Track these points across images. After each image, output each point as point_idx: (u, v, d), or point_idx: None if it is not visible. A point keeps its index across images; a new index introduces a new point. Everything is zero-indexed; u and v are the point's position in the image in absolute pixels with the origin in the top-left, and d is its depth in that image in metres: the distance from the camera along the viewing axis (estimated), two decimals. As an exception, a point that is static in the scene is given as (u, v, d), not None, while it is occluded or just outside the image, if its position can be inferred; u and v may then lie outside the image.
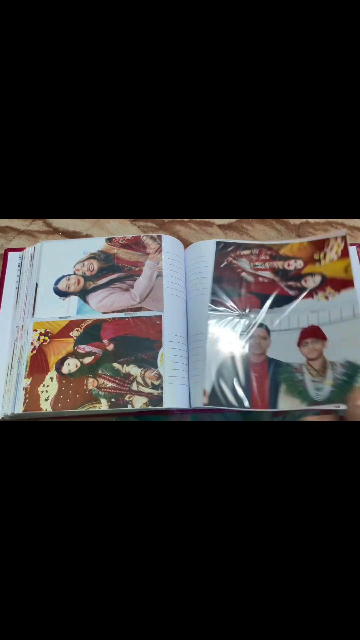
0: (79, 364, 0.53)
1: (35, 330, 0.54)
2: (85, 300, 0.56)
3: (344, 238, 0.58)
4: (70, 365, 0.52)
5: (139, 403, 0.50)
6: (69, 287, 0.57)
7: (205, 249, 0.59)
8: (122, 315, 0.55)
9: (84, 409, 0.50)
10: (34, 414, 0.51)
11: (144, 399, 0.50)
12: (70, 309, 0.55)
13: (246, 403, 0.51)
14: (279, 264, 0.59)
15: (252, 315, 0.56)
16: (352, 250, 0.63)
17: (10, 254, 0.62)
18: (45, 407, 0.50)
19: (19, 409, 0.51)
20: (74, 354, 0.53)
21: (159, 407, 0.50)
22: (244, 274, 0.58)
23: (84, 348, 0.53)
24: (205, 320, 0.54)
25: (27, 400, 0.51)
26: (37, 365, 0.53)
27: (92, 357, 0.53)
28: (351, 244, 0.63)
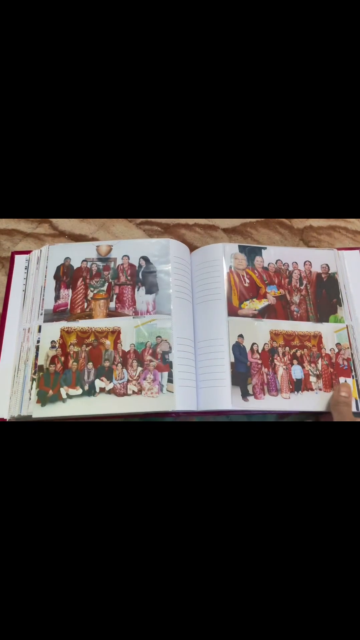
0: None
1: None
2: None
3: None
4: None
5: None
6: None
7: (211, 254, 0.59)
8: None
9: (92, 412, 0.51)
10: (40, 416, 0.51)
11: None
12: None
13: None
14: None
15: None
16: (355, 254, 0.63)
17: (17, 257, 0.62)
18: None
19: (26, 411, 0.52)
20: None
21: (168, 409, 0.50)
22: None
23: None
24: (218, 325, 0.55)
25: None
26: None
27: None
28: (354, 248, 0.64)
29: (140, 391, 0.51)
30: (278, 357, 0.54)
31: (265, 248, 0.61)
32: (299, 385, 0.53)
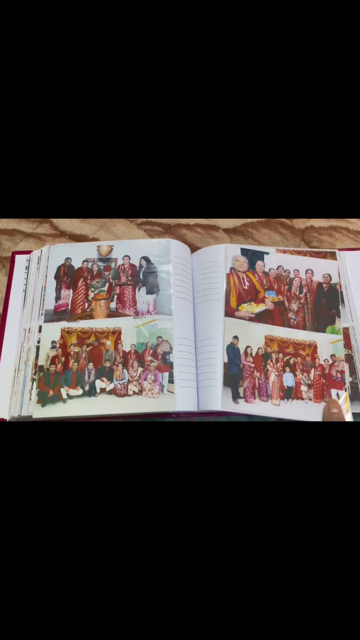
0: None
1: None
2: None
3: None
4: None
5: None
6: None
7: (212, 254, 0.59)
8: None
9: (92, 413, 0.51)
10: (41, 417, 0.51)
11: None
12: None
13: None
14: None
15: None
16: (357, 254, 0.63)
17: (17, 257, 0.62)
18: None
19: (27, 411, 0.52)
20: None
21: (169, 410, 0.50)
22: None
23: None
24: (215, 325, 0.55)
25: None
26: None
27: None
28: (356, 249, 0.64)
29: (140, 392, 0.51)
30: (271, 363, 0.54)
31: (267, 253, 0.60)
32: (289, 393, 0.53)
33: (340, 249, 0.63)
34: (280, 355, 0.55)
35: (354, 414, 0.53)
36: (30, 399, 0.52)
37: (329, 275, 0.59)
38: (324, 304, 0.58)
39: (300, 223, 0.70)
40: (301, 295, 0.58)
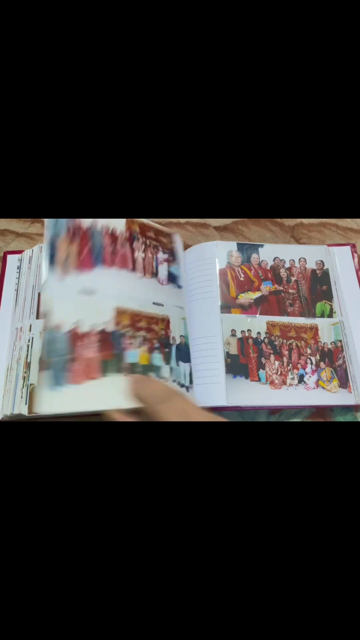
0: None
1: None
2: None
3: None
4: None
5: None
6: None
7: (205, 252, 0.59)
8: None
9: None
10: (33, 414, 0.51)
11: None
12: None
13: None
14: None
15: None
16: (346, 249, 0.64)
17: (9, 257, 0.62)
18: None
19: (18, 410, 0.52)
20: None
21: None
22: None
23: None
24: (212, 322, 0.55)
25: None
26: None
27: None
28: (345, 244, 0.65)
29: None
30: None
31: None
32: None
33: (329, 245, 0.63)
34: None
35: (341, 407, 0.54)
36: (21, 397, 0.52)
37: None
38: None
39: (290, 220, 0.70)
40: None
